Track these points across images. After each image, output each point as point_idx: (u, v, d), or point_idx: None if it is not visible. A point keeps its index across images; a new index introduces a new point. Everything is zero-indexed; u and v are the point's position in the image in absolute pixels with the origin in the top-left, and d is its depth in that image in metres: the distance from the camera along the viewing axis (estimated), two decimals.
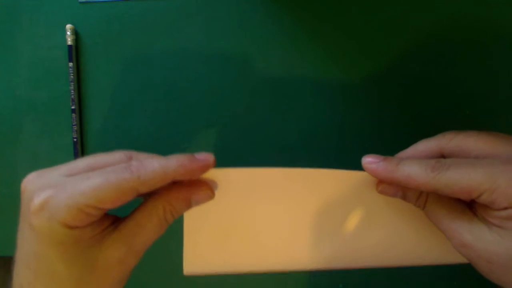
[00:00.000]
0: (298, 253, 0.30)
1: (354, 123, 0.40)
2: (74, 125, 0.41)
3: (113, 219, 0.27)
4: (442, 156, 0.29)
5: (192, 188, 0.28)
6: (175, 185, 0.28)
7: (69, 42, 0.41)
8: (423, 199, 0.28)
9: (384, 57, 0.39)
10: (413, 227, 0.30)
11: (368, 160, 0.28)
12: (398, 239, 0.31)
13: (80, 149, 0.41)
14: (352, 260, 0.31)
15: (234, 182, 0.29)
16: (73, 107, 0.41)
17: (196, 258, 0.30)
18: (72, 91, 0.41)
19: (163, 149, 0.41)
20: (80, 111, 0.42)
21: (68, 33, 0.41)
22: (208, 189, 0.28)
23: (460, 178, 0.24)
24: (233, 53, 0.41)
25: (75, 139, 0.41)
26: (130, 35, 0.41)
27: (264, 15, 0.40)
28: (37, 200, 0.24)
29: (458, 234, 0.26)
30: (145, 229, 0.26)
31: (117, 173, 0.24)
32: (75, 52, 0.41)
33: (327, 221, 0.30)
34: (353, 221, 0.30)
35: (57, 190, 0.24)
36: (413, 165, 0.26)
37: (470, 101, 0.39)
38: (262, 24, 0.40)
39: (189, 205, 0.28)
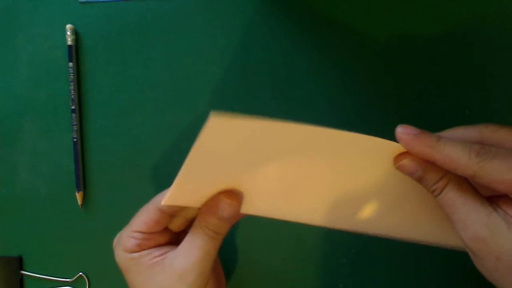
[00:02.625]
0: (304, 206, 0.30)
1: (353, 123, 0.40)
2: (74, 125, 0.41)
3: (173, 248, 0.31)
4: None
5: (215, 200, 0.29)
6: (207, 201, 0.30)
7: (69, 42, 0.41)
8: (443, 184, 0.26)
9: (383, 58, 0.40)
10: (422, 206, 0.30)
11: (404, 130, 0.26)
12: (407, 215, 0.30)
13: (80, 149, 0.41)
14: (356, 225, 0.31)
15: (254, 133, 0.26)
16: (73, 107, 0.41)
17: (182, 193, 0.29)
18: (72, 91, 0.41)
19: (163, 149, 0.41)
20: (80, 111, 0.42)
21: (68, 33, 0.41)
22: (229, 198, 0.29)
23: (506, 170, 0.24)
24: (233, 53, 0.41)
25: (75, 139, 0.41)
26: (130, 35, 0.41)
27: (264, 15, 0.40)
28: (114, 242, 0.32)
29: (473, 226, 0.25)
30: (193, 249, 0.29)
31: (145, 211, 0.31)
32: (75, 52, 0.41)
33: (341, 185, 0.29)
34: (365, 192, 0.30)
35: (122, 231, 0.32)
36: (455, 145, 0.25)
37: (470, 101, 0.39)
38: (262, 24, 0.40)
39: (220, 217, 0.29)
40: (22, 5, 0.42)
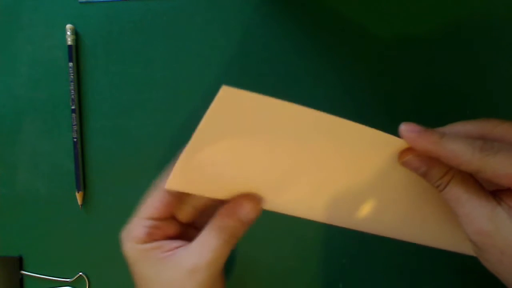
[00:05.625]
0: (300, 199, 0.30)
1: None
2: (74, 125, 0.41)
3: (183, 243, 0.30)
4: None
5: (237, 204, 0.29)
6: (225, 204, 0.29)
7: (69, 42, 0.41)
8: (447, 179, 0.26)
9: (383, 58, 0.39)
10: (427, 209, 0.30)
11: (408, 128, 0.26)
12: (410, 217, 0.30)
13: (80, 149, 0.41)
14: (353, 223, 0.31)
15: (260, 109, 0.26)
16: (73, 107, 0.41)
17: (185, 176, 0.28)
18: (72, 91, 0.41)
19: (163, 149, 0.41)
20: (80, 111, 0.42)
21: (68, 33, 0.41)
22: (251, 202, 0.29)
23: (509, 164, 0.24)
24: (233, 53, 0.41)
25: (75, 139, 0.41)
26: (130, 35, 0.41)
27: (264, 15, 0.40)
28: (122, 234, 0.31)
29: (478, 220, 0.25)
30: (207, 250, 0.29)
31: (152, 196, 0.30)
32: (75, 52, 0.41)
33: (343, 179, 0.29)
34: (365, 188, 0.29)
35: (131, 222, 0.31)
36: (459, 141, 0.25)
37: (470, 101, 0.39)
38: (262, 24, 0.40)
39: (240, 221, 0.29)
40: (22, 5, 0.42)
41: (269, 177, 0.29)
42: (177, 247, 0.30)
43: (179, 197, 0.31)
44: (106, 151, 0.42)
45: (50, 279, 0.42)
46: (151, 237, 0.30)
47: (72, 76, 0.41)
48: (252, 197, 0.29)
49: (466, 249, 0.29)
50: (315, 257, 0.40)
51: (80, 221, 0.42)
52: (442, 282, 0.40)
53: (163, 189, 0.29)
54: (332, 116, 0.26)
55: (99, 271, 0.42)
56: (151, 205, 0.30)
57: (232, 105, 0.24)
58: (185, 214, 0.32)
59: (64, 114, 0.42)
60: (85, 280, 0.42)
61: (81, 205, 0.41)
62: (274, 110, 0.26)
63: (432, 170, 0.27)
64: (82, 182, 0.41)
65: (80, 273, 0.42)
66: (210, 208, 0.31)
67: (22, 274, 0.42)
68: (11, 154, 0.42)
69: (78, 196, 0.41)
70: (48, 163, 0.42)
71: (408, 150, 0.27)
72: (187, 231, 0.32)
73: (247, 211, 0.29)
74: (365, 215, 0.31)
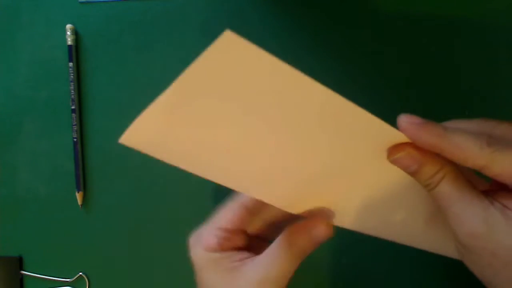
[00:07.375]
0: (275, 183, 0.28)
1: None
2: (74, 125, 0.41)
3: (251, 255, 0.30)
4: None
5: (310, 223, 0.29)
6: (298, 222, 0.29)
7: (69, 42, 0.41)
8: (439, 177, 0.25)
9: (382, 57, 0.40)
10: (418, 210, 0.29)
11: (408, 120, 0.25)
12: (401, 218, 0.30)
13: (80, 149, 0.41)
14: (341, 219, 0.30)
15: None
16: (73, 107, 0.41)
17: (146, 132, 0.23)
18: (72, 91, 0.41)
19: None
20: (80, 111, 0.42)
21: (68, 33, 0.41)
22: (324, 224, 0.29)
23: None
24: None
25: (75, 139, 0.41)
26: (130, 35, 0.41)
27: (264, 15, 0.40)
28: (190, 240, 0.31)
29: (469, 220, 0.24)
30: (276, 264, 0.29)
31: (228, 208, 0.31)
32: (75, 52, 0.41)
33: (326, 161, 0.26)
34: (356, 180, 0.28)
35: (201, 229, 0.31)
36: (465, 134, 0.24)
37: (470, 101, 0.39)
38: (262, 24, 0.40)
39: (311, 240, 0.29)
40: (22, 5, 0.42)
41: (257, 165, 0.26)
42: (245, 258, 0.30)
43: (252, 211, 0.31)
44: (106, 151, 0.42)
45: (50, 279, 0.42)
46: (221, 247, 0.30)
47: (72, 76, 0.41)
48: (325, 217, 0.29)
49: (449, 250, 0.28)
50: (315, 257, 0.40)
51: (80, 221, 0.42)
52: (442, 283, 0.40)
53: (242, 203, 0.30)
54: (341, 98, 0.24)
55: (99, 271, 0.42)
56: (225, 216, 0.30)
57: (234, 57, 0.20)
58: (254, 226, 0.32)
59: (64, 114, 0.42)
60: (85, 280, 0.42)
61: (81, 205, 0.41)
62: (283, 76, 0.22)
63: (424, 168, 0.25)
64: (82, 182, 0.41)
65: (80, 273, 0.42)
66: (278, 222, 0.31)
67: (22, 274, 0.42)
68: (11, 154, 0.42)
69: (78, 196, 0.41)
70: (48, 163, 0.42)
71: (399, 146, 0.25)
72: (254, 243, 0.32)
73: (319, 233, 0.29)
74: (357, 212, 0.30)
